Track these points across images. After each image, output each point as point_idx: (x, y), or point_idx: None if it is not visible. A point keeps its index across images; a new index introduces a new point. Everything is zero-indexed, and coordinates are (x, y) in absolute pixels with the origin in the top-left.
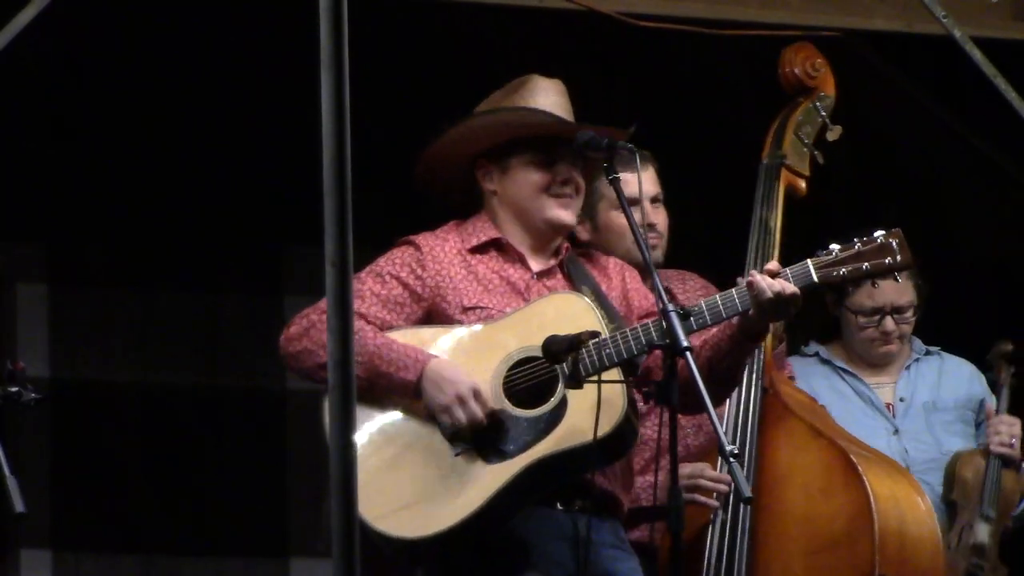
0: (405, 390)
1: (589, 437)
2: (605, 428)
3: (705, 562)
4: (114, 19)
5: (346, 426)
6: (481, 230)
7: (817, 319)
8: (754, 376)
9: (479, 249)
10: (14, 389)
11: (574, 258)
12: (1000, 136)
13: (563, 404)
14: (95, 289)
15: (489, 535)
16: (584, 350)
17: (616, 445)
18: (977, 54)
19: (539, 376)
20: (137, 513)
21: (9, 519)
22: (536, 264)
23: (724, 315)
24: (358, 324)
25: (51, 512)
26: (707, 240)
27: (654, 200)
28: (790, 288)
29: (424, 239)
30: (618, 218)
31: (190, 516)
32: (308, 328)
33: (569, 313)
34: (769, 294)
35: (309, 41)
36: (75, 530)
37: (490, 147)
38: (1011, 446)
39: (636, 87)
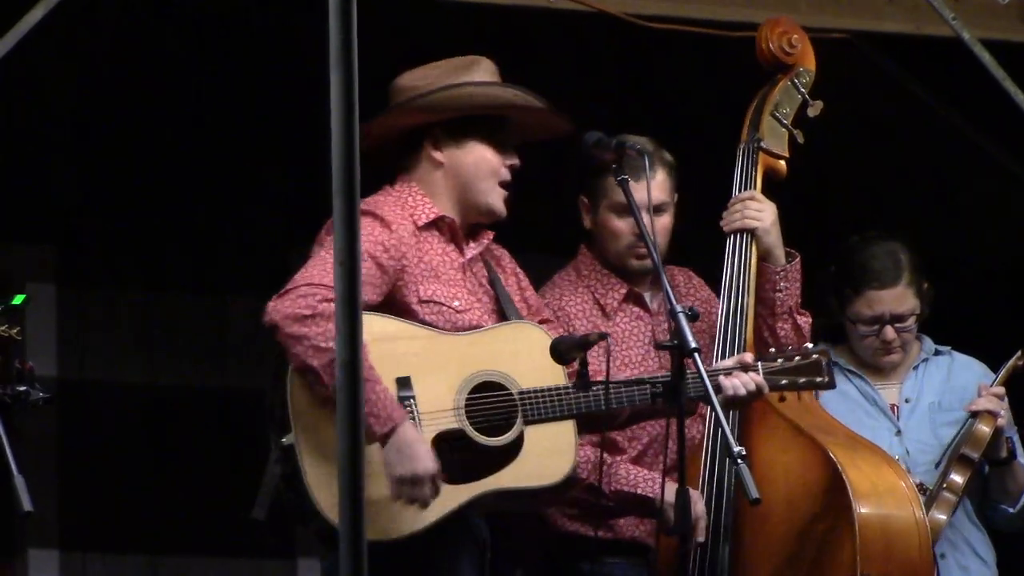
0: (367, 434)
1: (541, 482)
2: (557, 477)
3: (691, 564)
4: (122, 22)
5: (354, 428)
6: (423, 204)
7: (825, 321)
8: None
9: (425, 227)
10: (22, 388)
11: (490, 248)
12: (1009, 139)
13: (520, 440)
14: (103, 290)
15: (424, 546)
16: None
17: (565, 490)
18: (986, 56)
19: (500, 407)
20: (144, 513)
21: (17, 518)
22: (468, 249)
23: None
24: None
25: (59, 512)
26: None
27: (656, 208)
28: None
29: (389, 214)
30: (612, 220)
31: (197, 516)
32: (313, 317)
33: (538, 347)
34: (743, 392)
35: (318, 41)
36: (83, 530)
37: (453, 117)
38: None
39: (643, 88)
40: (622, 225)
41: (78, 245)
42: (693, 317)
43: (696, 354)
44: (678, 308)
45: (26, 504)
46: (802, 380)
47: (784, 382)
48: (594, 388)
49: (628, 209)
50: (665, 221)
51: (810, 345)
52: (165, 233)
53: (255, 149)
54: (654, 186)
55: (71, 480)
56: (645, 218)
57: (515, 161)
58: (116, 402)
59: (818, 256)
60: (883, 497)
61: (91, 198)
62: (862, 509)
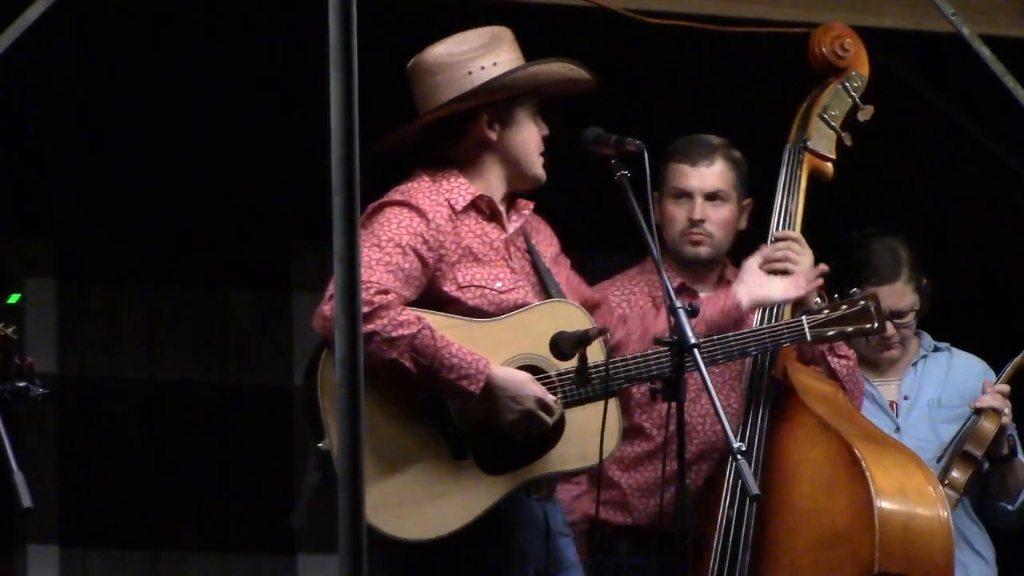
0: (464, 397)
1: (589, 462)
2: (605, 453)
3: (711, 555)
4: (122, 17)
5: (353, 423)
6: (459, 187)
7: None
8: (766, 367)
9: (463, 210)
10: (22, 384)
11: (530, 220)
12: (1009, 134)
13: (562, 422)
14: (103, 285)
15: (479, 536)
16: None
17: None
18: (986, 52)
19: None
20: (144, 509)
21: (16, 514)
22: (509, 223)
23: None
24: (410, 315)
25: (59, 508)
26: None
27: (713, 196)
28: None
29: (425, 202)
30: (669, 206)
31: (197, 512)
32: (375, 311)
33: (574, 324)
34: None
35: (318, 38)
36: (83, 526)
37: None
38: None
39: (646, 84)
40: (677, 210)
41: (78, 241)
42: (693, 313)
43: (695, 350)
44: (677, 304)
45: (26, 500)
46: (850, 329)
47: (831, 333)
48: (594, 380)
49: (684, 194)
50: (723, 213)
51: (856, 290)
52: (165, 228)
53: (256, 144)
54: (711, 174)
55: (71, 476)
56: (684, 209)
57: (546, 131)
58: (116, 398)
59: (815, 253)
60: (908, 496)
61: (91, 194)
62: (883, 504)
